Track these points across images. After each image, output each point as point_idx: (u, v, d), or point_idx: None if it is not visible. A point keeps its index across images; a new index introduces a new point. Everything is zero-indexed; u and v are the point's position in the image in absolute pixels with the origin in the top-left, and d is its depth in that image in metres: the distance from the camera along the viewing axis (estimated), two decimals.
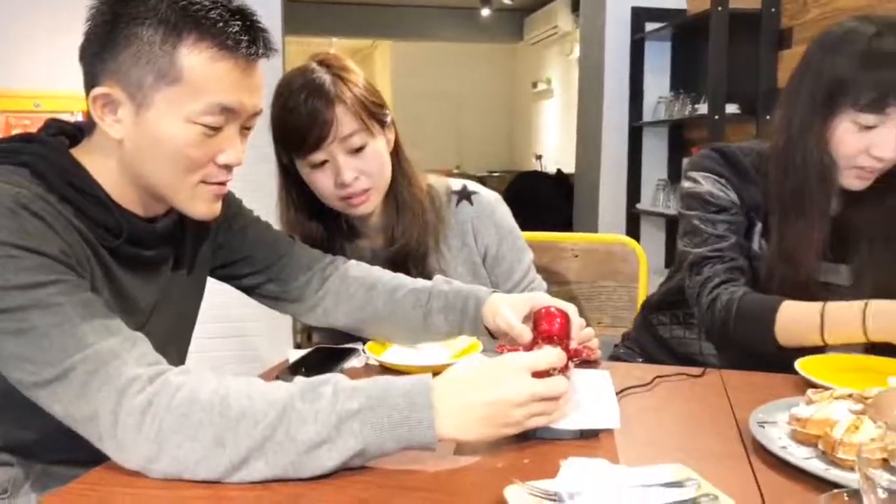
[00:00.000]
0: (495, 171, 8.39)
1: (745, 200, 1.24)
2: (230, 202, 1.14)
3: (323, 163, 1.20)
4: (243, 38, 0.86)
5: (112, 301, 0.90)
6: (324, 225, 1.30)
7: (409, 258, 1.28)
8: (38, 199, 0.82)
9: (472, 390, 0.78)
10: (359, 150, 1.20)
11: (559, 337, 0.92)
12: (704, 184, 1.25)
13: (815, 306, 1.11)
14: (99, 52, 0.86)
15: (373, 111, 1.21)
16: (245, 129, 0.93)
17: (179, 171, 0.89)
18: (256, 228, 1.18)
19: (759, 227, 1.25)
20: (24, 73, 2.71)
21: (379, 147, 1.22)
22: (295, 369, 1.12)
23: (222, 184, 0.93)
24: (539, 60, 8.68)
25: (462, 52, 8.97)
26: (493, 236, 1.34)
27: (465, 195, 1.34)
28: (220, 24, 0.84)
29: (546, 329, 0.92)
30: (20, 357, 0.76)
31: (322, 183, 1.22)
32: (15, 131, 2.54)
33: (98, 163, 0.90)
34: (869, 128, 1.09)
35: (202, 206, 0.93)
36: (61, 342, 0.75)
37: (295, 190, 1.28)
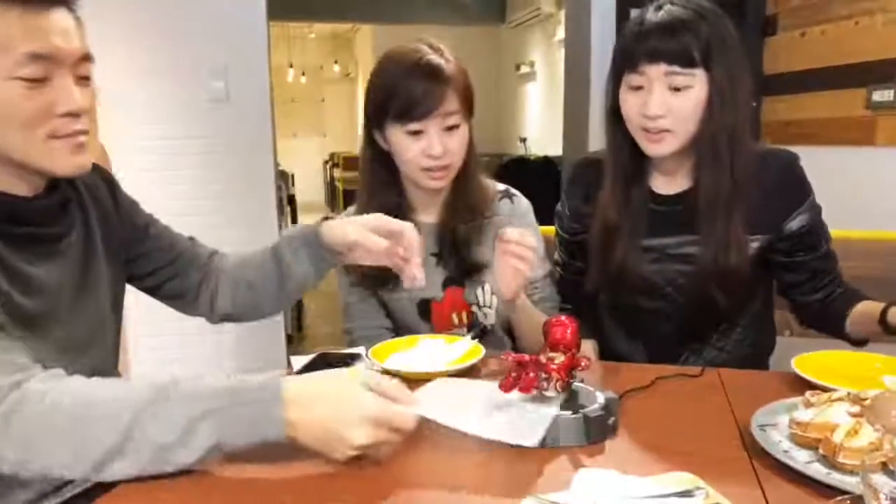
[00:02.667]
0: (483, 156, 8.34)
1: (578, 212, 1.41)
2: (128, 201, 1.15)
3: (418, 132, 1.28)
4: None
5: (10, 286, 0.90)
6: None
7: (455, 238, 1.36)
8: None
9: (316, 403, 0.80)
10: (452, 128, 1.29)
11: (568, 346, 0.93)
12: (557, 207, 1.48)
13: None
14: None
15: (470, 103, 1.33)
16: (83, 78, 0.93)
17: (20, 130, 0.88)
18: (156, 226, 1.18)
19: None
20: None
21: (466, 131, 1.33)
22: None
23: (75, 134, 0.92)
24: (522, 43, 8.64)
25: (444, 35, 8.84)
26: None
27: (507, 195, 1.45)
28: None
29: (557, 338, 0.94)
30: None
31: (411, 150, 1.30)
32: None
33: None
34: (637, 88, 1.22)
35: (62, 162, 0.92)
36: None
37: (380, 161, 1.37)
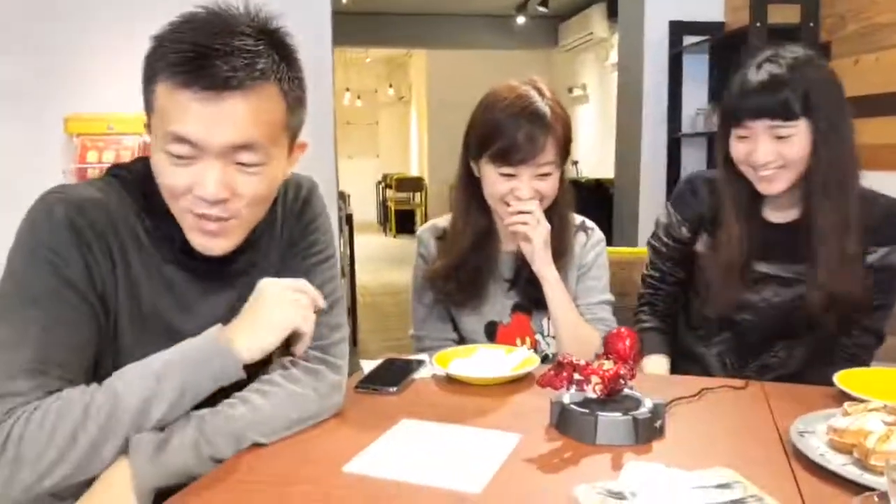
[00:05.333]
0: None
1: (692, 221, 1.49)
2: (310, 219, 1.13)
3: (510, 175, 1.35)
4: (201, 73, 0.87)
5: (174, 312, 0.99)
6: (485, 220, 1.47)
7: (531, 269, 1.40)
8: (96, 209, 0.93)
9: (250, 312, 0.95)
10: (544, 175, 1.35)
11: (621, 356, 1.01)
12: (662, 218, 1.55)
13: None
14: None
15: (567, 149, 1.38)
16: (243, 164, 0.92)
17: (168, 197, 0.94)
18: (312, 263, 1.11)
19: (704, 236, 1.48)
20: (96, 98, 2.89)
21: (557, 177, 1.38)
22: (369, 379, 1.23)
23: (205, 218, 0.94)
24: (574, 66, 8.75)
25: (497, 59, 9.06)
26: (591, 261, 1.49)
27: (583, 228, 1.51)
28: (181, 60, 0.88)
29: (615, 349, 1.02)
30: None
31: (499, 187, 1.36)
32: (90, 153, 2.71)
33: None
34: (744, 138, 1.33)
35: (194, 238, 0.96)
36: None
37: (474, 188, 1.44)
